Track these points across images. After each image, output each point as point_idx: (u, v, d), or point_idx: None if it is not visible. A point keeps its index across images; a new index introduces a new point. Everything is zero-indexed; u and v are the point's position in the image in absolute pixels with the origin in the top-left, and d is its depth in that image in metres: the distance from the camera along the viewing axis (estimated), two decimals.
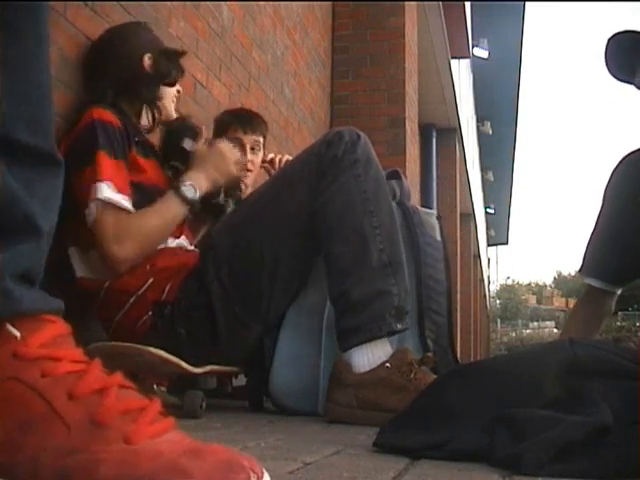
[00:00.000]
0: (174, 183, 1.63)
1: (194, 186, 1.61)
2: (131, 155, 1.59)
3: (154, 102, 1.72)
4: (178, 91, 1.83)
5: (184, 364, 1.46)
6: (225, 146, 1.73)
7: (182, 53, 1.83)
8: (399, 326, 1.50)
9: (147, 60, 1.71)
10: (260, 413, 1.73)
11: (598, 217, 1.98)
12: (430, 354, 1.56)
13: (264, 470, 0.56)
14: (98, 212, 1.48)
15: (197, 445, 0.56)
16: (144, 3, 2.06)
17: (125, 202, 1.51)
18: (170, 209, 1.59)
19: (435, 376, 1.49)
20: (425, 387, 1.18)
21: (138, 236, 1.53)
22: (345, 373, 1.48)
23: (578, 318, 2.04)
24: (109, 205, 1.49)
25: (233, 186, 1.82)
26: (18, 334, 0.58)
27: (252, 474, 0.54)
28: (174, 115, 1.81)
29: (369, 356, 1.47)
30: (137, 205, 1.56)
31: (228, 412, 1.75)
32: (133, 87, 1.68)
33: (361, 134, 1.60)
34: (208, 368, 1.55)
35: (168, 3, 2.24)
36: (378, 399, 1.43)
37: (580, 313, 2.05)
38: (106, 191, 1.47)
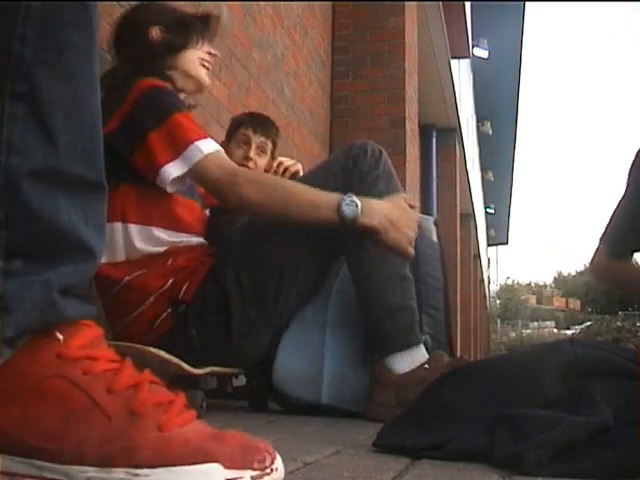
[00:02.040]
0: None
1: (359, 205, 1.49)
2: None
3: (163, 74, 1.65)
4: (210, 53, 1.76)
5: (184, 365, 1.46)
6: (411, 210, 1.61)
7: (206, 17, 1.78)
8: (422, 337, 1.63)
9: (154, 33, 1.67)
10: (260, 413, 1.73)
11: (624, 195, 1.93)
12: (466, 356, 1.65)
13: (277, 453, 0.63)
14: (215, 161, 1.50)
15: (218, 432, 0.64)
16: (144, 3, 2.06)
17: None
18: (319, 197, 1.51)
19: None
20: (425, 387, 1.18)
21: (265, 186, 1.52)
22: (386, 374, 1.56)
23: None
24: (220, 154, 1.52)
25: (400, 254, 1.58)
26: (61, 337, 0.66)
27: (267, 455, 0.61)
28: (206, 80, 1.76)
29: (409, 359, 1.56)
30: (179, 193, 1.58)
31: (228, 412, 1.75)
32: (141, 63, 1.63)
33: (382, 149, 1.66)
34: (208, 369, 1.55)
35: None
36: None
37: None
38: (210, 144, 1.50)
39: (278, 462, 0.62)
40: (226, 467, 0.59)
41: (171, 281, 1.55)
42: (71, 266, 0.67)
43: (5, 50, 0.63)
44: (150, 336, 1.52)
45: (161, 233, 1.56)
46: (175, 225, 1.59)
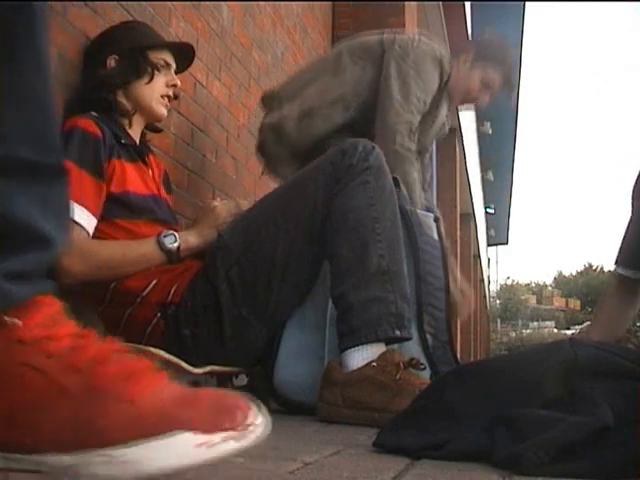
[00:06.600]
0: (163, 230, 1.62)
1: (176, 236, 1.60)
2: (113, 163, 1.56)
3: (112, 105, 1.64)
4: (174, 85, 1.75)
5: (184, 364, 1.46)
6: (223, 207, 1.72)
7: (167, 45, 1.77)
8: (398, 333, 1.52)
9: (111, 62, 1.66)
10: None
11: (631, 215, 2.02)
12: (418, 359, 1.58)
13: (255, 406, 0.61)
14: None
15: (190, 393, 0.62)
16: (144, 3, 2.06)
17: (84, 220, 1.47)
18: (141, 248, 1.57)
19: (417, 375, 1.52)
20: (425, 387, 1.19)
21: (92, 259, 1.50)
22: (334, 372, 1.50)
23: (610, 307, 2.06)
24: (78, 229, 1.46)
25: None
26: (16, 320, 0.62)
27: (239, 412, 0.59)
28: (162, 113, 1.75)
29: (362, 356, 1.49)
30: (119, 216, 1.57)
31: None
32: (86, 92, 1.62)
33: (375, 146, 1.64)
34: (208, 369, 1.55)
35: (168, 3, 2.24)
36: (362, 397, 1.45)
37: (611, 303, 2.07)
38: (79, 213, 1.45)
39: (253, 416, 0.60)
40: (196, 432, 0.57)
41: (155, 282, 1.56)
42: (25, 255, 0.64)
43: None
44: (144, 343, 1.51)
45: None
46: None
